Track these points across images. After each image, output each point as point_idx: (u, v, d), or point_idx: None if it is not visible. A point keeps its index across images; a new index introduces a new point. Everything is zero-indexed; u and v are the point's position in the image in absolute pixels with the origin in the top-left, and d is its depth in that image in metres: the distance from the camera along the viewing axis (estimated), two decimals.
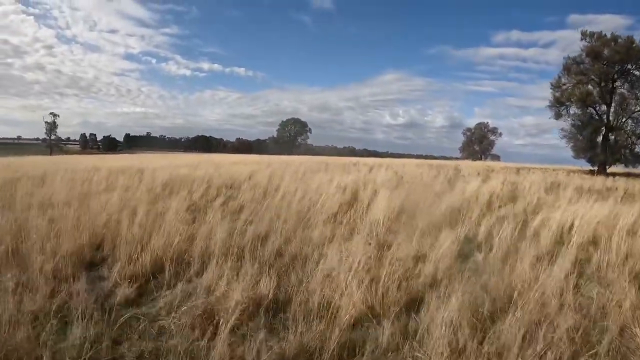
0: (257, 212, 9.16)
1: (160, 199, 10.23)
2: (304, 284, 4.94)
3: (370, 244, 6.41)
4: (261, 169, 20.08)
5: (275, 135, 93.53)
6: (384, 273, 4.96)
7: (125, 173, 15.77)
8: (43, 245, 5.63)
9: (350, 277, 4.79)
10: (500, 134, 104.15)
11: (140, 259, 5.46)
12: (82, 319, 3.78)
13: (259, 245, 6.30)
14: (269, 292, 4.70)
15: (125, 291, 4.72)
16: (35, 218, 6.79)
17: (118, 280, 5.03)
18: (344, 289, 4.57)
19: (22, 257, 5.38)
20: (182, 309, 4.27)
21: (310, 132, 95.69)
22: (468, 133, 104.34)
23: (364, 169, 21.46)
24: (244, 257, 5.74)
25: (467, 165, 44.65)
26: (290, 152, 56.45)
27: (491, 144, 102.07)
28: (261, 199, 11.02)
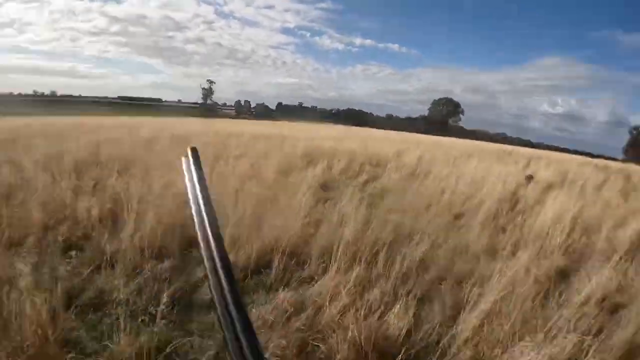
0: (402, 199, 7.48)
1: (295, 170, 9.18)
2: (453, 330, 3.25)
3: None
4: (410, 148, 18.11)
5: (426, 114, 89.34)
6: None
7: (268, 140, 15.36)
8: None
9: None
10: None
11: (246, 247, 4.25)
12: None
13: (398, 247, 4.66)
14: (399, 333, 3.12)
15: None
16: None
17: None
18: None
19: None
20: (277, 329, 3.00)
21: (463, 114, 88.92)
22: (634, 132, 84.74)
23: (522, 161, 17.69)
24: (375, 264, 4.17)
25: None
26: (440, 133, 52.77)
27: None
28: (408, 182, 9.27)
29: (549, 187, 10.11)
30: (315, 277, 3.98)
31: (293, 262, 4.34)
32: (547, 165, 16.40)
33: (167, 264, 4.03)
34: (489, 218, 6.83)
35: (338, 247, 4.15)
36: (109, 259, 3.86)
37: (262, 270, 4.22)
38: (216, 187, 6.10)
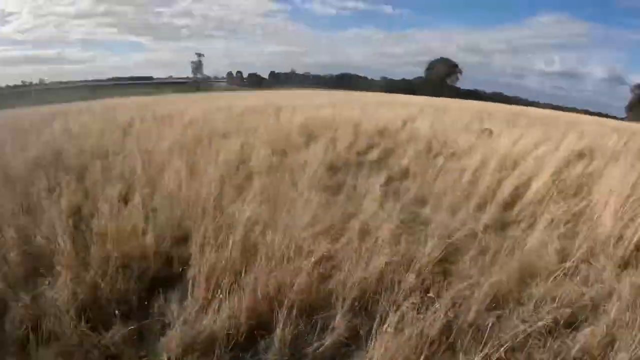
0: (428, 182, 6.04)
1: (294, 149, 7.66)
2: None
3: None
4: (414, 113, 16.34)
5: (422, 76, 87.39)
6: None
7: (261, 112, 13.64)
8: None
9: None
10: None
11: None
12: None
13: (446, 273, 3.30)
14: None
15: None
16: None
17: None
18: None
19: None
20: None
21: (461, 74, 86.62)
22: (638, 91, 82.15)
23: (536, 125, 15.11)
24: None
25: None
26: (438, 94, 51.06)
27: None
28: (427, 158, 7.77)
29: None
30: None
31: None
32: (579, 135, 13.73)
33: None
34: (555, 219, 4.71)
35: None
36: None
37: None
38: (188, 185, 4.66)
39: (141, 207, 4.24)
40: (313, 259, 3.28)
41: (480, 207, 5.26)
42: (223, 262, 3.25)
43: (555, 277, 3.49)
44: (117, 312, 2.97)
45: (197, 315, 2.90)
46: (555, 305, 3.10)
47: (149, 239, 3.73)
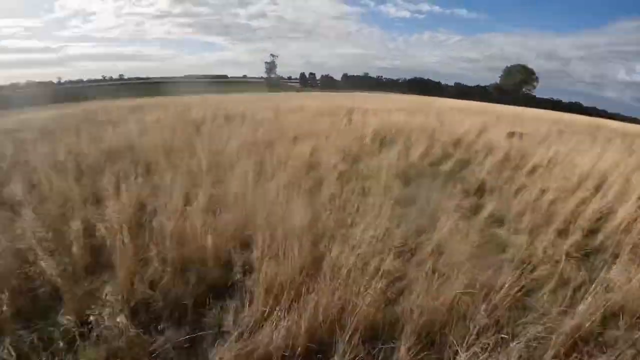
0: (506, 198, 5.76)
1: (366, 155, 7.64)
2: None
3: None
4: (490, 121, 15.61)
5: (497, 82, 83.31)
6: None
7: (332, 115, 13.68)
8: None
9: None
10: None
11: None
12: None
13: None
14: None
15: None
16: None
17: None
18: None
19: None
20: None
21: (537, 82, 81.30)
22: None
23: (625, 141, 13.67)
24: None
25: None
26: (514, 102, 48.51)
27: None
28: (505, 170, 7.41)
29: None
30: None
31: None
32: None
33: None
34: None
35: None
36: None
37: None
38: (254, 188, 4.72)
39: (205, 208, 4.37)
40: (381, 281, 3.16)
41: (562, 231, 4.92)
42: (284, 275, 3.19)
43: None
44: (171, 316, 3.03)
45: (252, 329, 2.80)
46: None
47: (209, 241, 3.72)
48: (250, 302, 3.02)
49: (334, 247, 3.60)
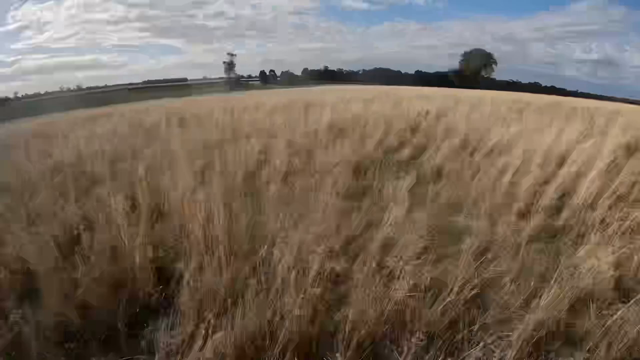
0: (463, 181, 5.48)
1: (320, 148, 7.21)
2: None
3: None
4: (449, 106, 15.46)
5: (457, 68, 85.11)
6: None
7: (289, 110, 13.21)
8: None
9: None
10: None
11: None
12: None
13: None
14: None
15: None
16: None
17: None
18: None
19: None
20: None
21: (496, 65, 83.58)
22: None
23: (597, 118, 13.50)
24: None
25: None
26: (473, 87, 49.46)
27: None
28: (463, 155, 7.15)
29: None
30: None
31: None
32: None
33: None
34: None
35: None
36: None
37: None
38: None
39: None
40: (319, 286, 2.77)
41: (523, 214, 4.65)
42: (214, 286, 2.81)
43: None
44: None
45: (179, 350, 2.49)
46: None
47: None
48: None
49: (273, 251, 3.19)
